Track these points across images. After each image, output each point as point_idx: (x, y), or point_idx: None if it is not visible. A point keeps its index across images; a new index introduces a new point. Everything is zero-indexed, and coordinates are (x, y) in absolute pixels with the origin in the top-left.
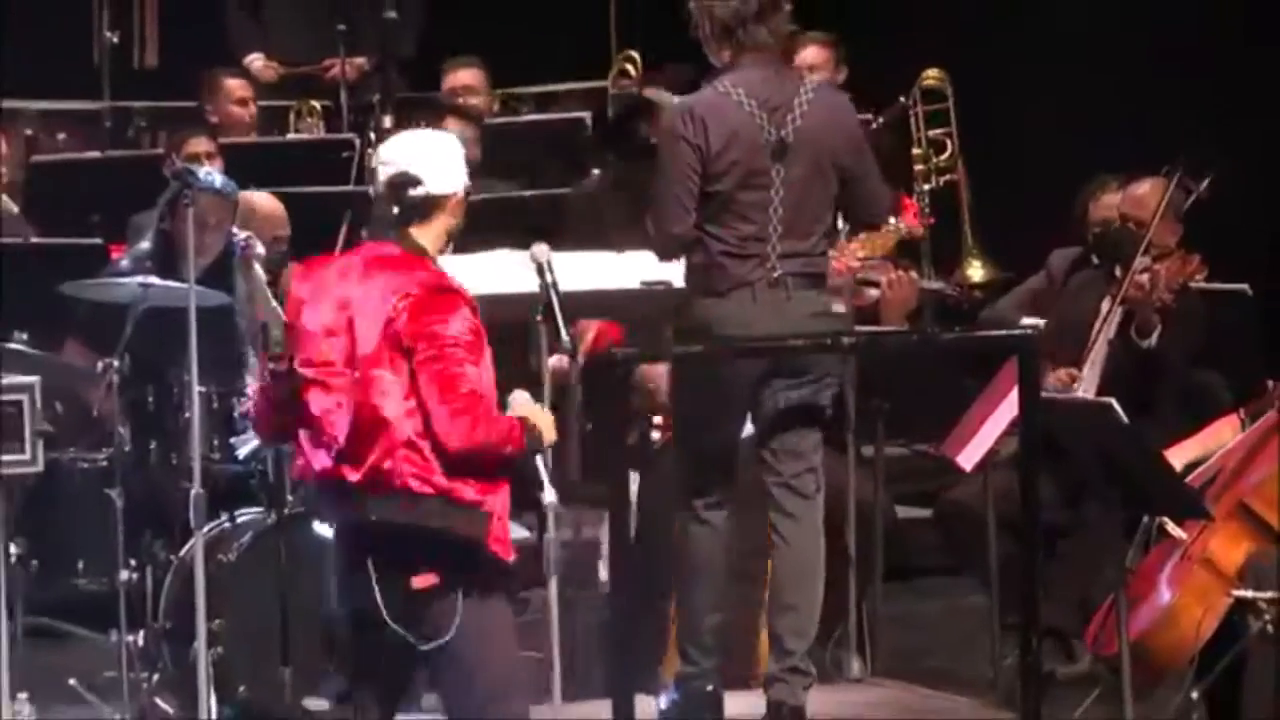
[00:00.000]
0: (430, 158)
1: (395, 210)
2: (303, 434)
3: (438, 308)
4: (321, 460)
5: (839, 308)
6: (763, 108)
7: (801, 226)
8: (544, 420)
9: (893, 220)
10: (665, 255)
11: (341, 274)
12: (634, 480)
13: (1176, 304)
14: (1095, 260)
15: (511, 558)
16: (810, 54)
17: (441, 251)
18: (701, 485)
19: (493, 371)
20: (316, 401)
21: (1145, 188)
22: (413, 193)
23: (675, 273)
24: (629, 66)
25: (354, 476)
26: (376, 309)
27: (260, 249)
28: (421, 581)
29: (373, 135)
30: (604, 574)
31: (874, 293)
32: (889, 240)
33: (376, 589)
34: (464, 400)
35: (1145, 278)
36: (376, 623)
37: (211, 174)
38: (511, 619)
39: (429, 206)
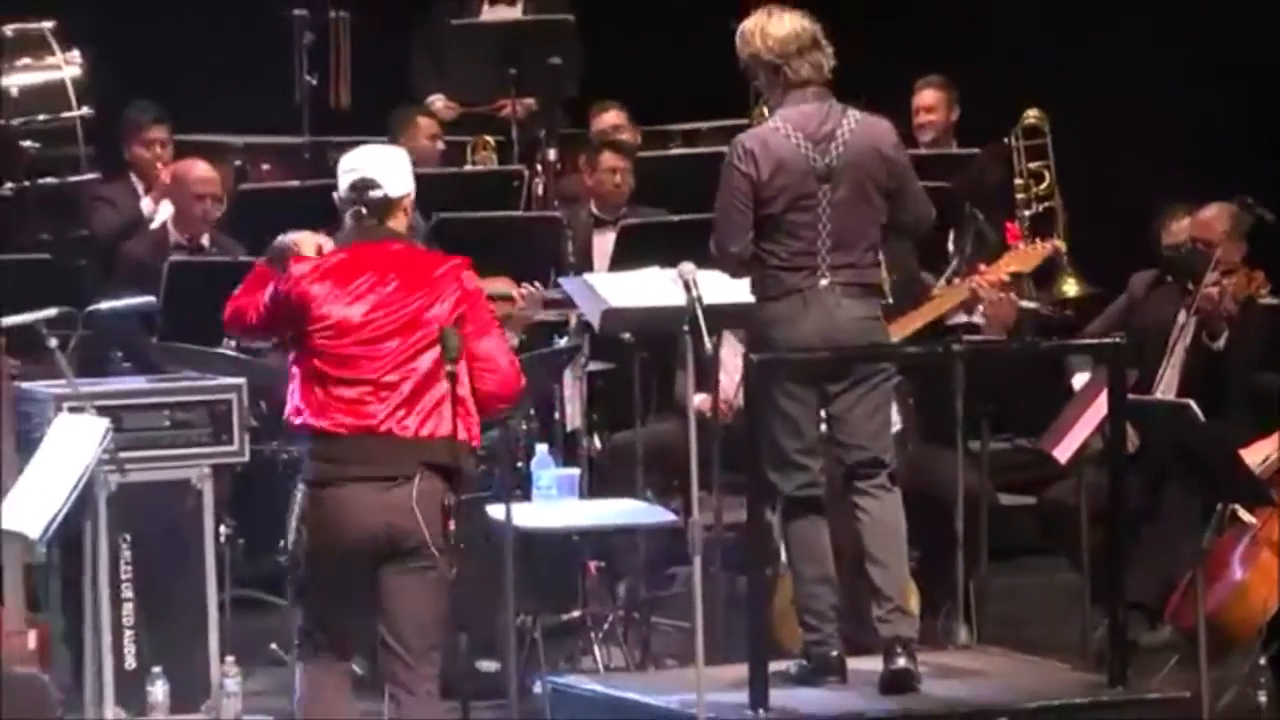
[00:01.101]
0: (385, 166)
1: (362, 209)
2: (346, 392)
3: (478, 284)
4: (373, 415)
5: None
6: (808, 139)
7: (849, 241)
8: None
9: (1038, 241)
10: (729, 271)
11: (364, 266)
12: None
13: (1242, 314)
14: (1169, 279)
15: None
16: (927, 96)
17: None
18: (791, 471)
19: None
20: (377, 368)
21: (1212, 212)
22: (373, 194)
23: None
24: (765, 109)
25: (410, 428)
26: (438, 289)
27: None
28: (452, 523)
29: (539, 166)
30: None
31: (981, 309)
32: (1035, 258)
33: (423, 523)
34: (515, 356)
35: (1214, 290)
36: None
37: None
38: None
39: (387, 206)
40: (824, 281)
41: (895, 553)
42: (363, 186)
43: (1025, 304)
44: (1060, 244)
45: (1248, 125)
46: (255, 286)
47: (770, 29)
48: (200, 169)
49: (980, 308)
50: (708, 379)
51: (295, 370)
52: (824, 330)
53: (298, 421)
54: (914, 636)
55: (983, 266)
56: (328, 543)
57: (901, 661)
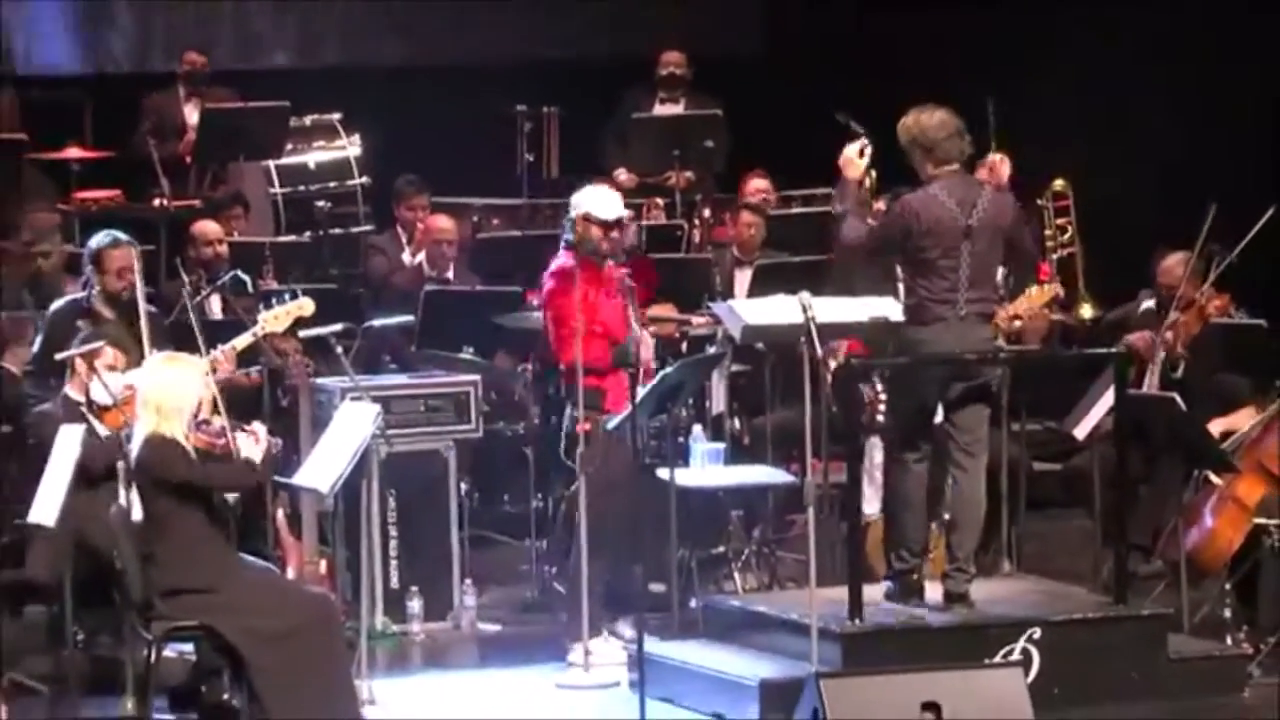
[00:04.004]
0: (583, 197)
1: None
2: None
3: (553, 276)
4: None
5: (999, 337)
6: (956, 204)
7: (980, 282)
8: (646, 350)
9: (1045, 285)
10: (851, 256)
11: None
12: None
13: (1199, 339)
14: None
15: (623, 410)
16: (986, 171)
17: (584, 249)
18: (910, 447)
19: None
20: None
21: (1171, 261)
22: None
23: (890, 310)
24: (867, 179)
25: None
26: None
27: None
28: (580, 428)
29: (696, 221)
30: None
31: (1019, 324)
32: (1044, 297)
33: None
34: (556, 333)
35: (1169, 334)
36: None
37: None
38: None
39: (573, 222)
40: (963, 312)
41: (973, 520)
42: (567, 208)
43: (1054, 318)
44: (1060, 289)
45: (1238, 181)
46: None
47: (926, 121)
48: (441, 221)
49: (1017, 324)
50: (818, 378)
51: None
52: (961, 347)
53: None
54: (968, 591)
55: (1007, 304)
56: None
57: (954, 606)
